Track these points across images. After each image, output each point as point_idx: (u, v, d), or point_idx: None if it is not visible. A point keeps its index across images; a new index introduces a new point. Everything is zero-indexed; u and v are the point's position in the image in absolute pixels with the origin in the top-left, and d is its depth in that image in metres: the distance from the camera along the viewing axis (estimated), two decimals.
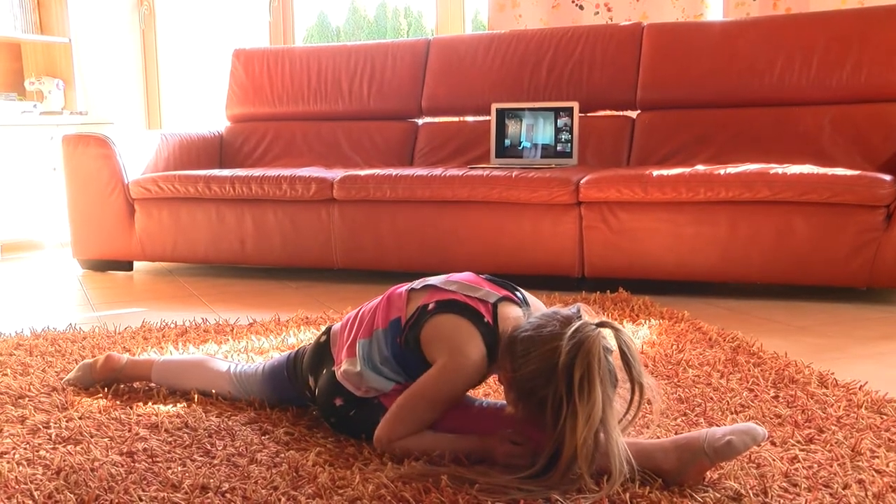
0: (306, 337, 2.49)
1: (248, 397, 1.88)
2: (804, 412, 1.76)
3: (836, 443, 1.59)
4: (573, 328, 1.36)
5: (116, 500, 1.41)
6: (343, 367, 1.61)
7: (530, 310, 1.58)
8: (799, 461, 1.51)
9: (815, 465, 1.49)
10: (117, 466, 1.54)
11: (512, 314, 1.53)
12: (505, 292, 1.58)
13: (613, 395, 1.37)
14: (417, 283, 1.63)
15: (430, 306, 1.53)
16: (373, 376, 1.59)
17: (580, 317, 1.39)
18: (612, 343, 1.37)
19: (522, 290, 1.62)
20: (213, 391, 1.92)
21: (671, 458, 1.42)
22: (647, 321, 2.63)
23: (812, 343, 2.43)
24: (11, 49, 5.04)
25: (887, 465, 1.48)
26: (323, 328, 1.86)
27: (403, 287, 1.64)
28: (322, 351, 1.72)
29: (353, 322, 1.67)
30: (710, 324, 2.57)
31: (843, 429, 1.67)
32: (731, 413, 1.78)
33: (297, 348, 1.84)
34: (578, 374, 1.32)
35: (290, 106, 4.36)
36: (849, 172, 2.90)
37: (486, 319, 1.51)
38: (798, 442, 1.60)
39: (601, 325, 1.38)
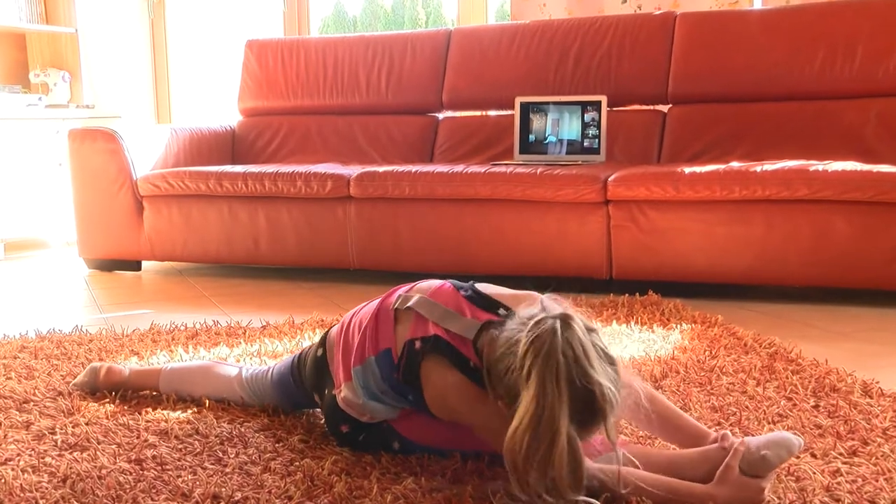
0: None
1: (262, 403, 1.89)
2: (847, 423, 1.75)
3: (881, 456, 1.57)
4: (532, 325, 1.33)
5: None
6: (343, 393, 1.61)
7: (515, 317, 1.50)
8: (841, 475, 1.49)
9: (860, 480, 1.47)
10: (125, 474, 1.55)
11: (492, 339, 1.46)
12: (486, 316, 1.51)
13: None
14: (402, 301, 1.58)
15: (417, 345, 1.50)
16: (375, 406, 1.59)
17: (544, 308, 1.36)
18: (580, 329, 1.32)
19: (506, 299, 1.55)
20: (225, 397, 1.93)
21: (700, 471, 1.41)
22: (679, 325, 2.62)
23: (854, 349, 2.40)
24: (16, 40, 5.08)
25: None
26: (318, 336, 1.84)
27: (393, 297, 1.61)
28: (321, 366, 1.71)
29: (345, 332, 1.66)
30: (744, 328, 2.55)
31: (889, 441, 1.65)
32: (768, 423, 1.77)
33: (299, 352, 1.84)
34: (528, 363, 1.29)
35: (305, 99, 4.37)
36: (895, 169, 2.87)
37: (472, 363, 1.47)
38: (840, 454, 1.59)
39: (563, 316, 1.33)
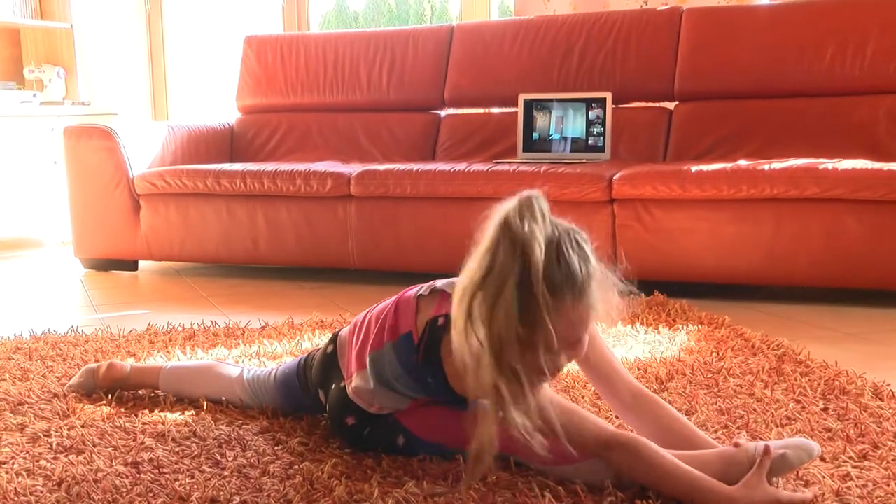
0: (321, 342, 2.49)
1: (261, 405, 1.89)
2: (857, 426, 1.74)
3: (892, 459, 1.57)
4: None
5: None
6: (354, 382, 1.60)
7: None
8: (851, 479, 1.49)
9: (870, 484, 1.47)
10: (122, 478, 1.55)
11: None
12: None
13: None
14: (426, 288, 1.61)
15: (440, 321, 1.52)
16: (387, 394, 1.58)
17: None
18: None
19: None
20: (224, 398, 1.93)
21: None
22: (685, 326, 2.61)
23: (865, 351, 2.40)
24: (10, 35, 5.09)
25: None
26: (329, 336, 1.85)
27: (412, 291, 1.62)
28: (329, 363, 1.71)
29: (360, 328, 1.66)
30: (752, 330, 2.55)
31: None
32: (777, 426, 1.76)
33: (307, 353, 1.84)
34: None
35: (305, 96, 4.37)
36: None
37: None
38: (850, 458, 1.58)
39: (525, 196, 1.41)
